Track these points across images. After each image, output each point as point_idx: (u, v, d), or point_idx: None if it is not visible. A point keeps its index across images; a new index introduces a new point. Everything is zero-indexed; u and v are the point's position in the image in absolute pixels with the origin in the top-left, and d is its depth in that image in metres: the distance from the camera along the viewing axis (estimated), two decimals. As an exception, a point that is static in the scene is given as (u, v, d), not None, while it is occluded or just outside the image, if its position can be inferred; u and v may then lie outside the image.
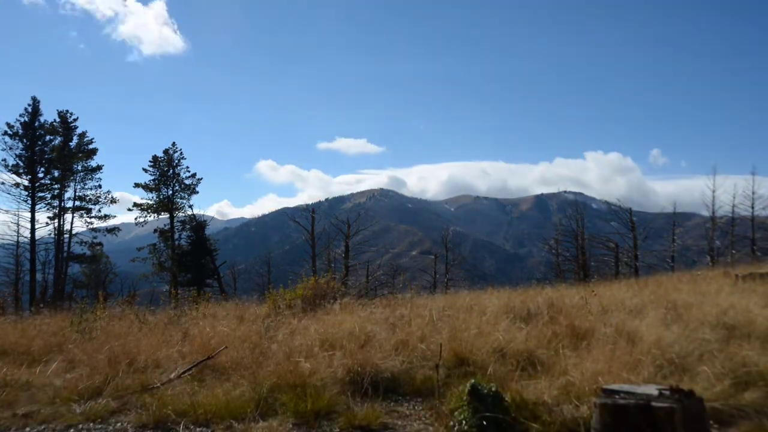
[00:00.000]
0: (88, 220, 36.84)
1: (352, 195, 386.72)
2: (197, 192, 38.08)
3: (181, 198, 37.72)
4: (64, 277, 34.96)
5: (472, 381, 4.52)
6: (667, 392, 3.42)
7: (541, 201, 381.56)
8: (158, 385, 5.76)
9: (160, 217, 38.19)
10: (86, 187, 37.04)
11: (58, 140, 35.85)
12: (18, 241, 33.79)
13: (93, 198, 37.05)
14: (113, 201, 37.73)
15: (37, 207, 34.79)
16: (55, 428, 4.95)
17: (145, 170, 37.85)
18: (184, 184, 37.96)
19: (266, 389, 5.34)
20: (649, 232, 31.89)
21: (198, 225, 36.18)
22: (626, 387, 3.66)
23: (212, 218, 38.29)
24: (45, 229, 35.04)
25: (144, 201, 37.69)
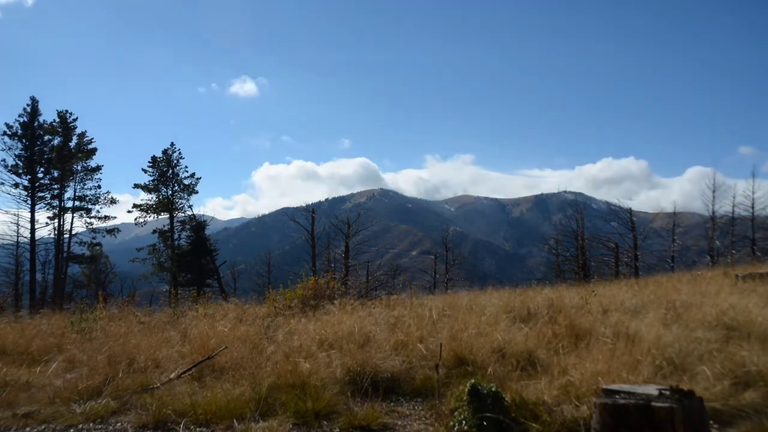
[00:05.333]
0: (88, 220, 36.93)
1: (352, 195, 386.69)
2: (197, 192, 38.22)
3: (180, 198, 37.80)
4: (64, 277, 34.97)
5: (472, 381, 4.52)
6: (667, 392, 3.41)
7: (541, 201, 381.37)
8: (158, 385, 5.76)
9: (159, 217, 38.25)
10: (86, 187, 37.15)
11: (57, 140, 35.89)
12: (18, 241, 33.85)
13: (93, 198, 37.13)
14: (113, 201, 37.79)
15: (37, 207, 34.86)
16: (55, 428, 4.94)
17: (145, 171, 37.94)
18: (184, 184, 38.04)
19: (266, 389, 5.33)
20: (649, 232, 31.91)
21: (198, 225, 36.20)
22: (626, 387, 3.66)
23: (212, 218, 38.35)
24: (45, 229, 35.13)
25: (144, 201, 37.78)
